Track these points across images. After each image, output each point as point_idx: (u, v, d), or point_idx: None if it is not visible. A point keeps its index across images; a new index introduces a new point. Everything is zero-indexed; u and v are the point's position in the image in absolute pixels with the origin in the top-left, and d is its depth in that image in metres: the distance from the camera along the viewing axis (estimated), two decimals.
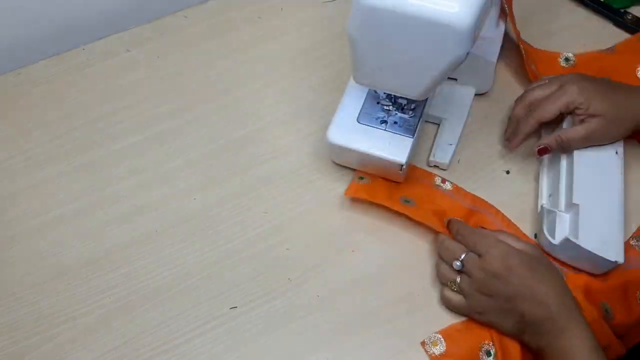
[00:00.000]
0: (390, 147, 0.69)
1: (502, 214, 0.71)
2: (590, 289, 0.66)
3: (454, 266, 0.64)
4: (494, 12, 0.75)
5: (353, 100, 0.72)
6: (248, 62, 0.85)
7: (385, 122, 0.71)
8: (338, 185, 0.74)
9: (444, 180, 0.73)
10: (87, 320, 0.67)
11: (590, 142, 0.69)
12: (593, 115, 0.68)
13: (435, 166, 0.74)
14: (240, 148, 0.78)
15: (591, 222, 0.65)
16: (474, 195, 0.72)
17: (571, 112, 0.69)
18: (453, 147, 0.74)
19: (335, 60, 0.83)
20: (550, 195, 0.71)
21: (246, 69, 0.85)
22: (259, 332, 0.66)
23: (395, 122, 0.71)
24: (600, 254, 0.63)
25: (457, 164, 0.75)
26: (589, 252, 0.63)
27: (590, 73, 0.73)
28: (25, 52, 0.88)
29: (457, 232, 0.66)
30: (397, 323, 0.66)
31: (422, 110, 0.71)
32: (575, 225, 0.66)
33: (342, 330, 0.66)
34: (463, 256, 0.64)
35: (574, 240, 0.64)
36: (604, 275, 0.67)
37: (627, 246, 0.68)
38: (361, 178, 0.72)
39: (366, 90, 0.72)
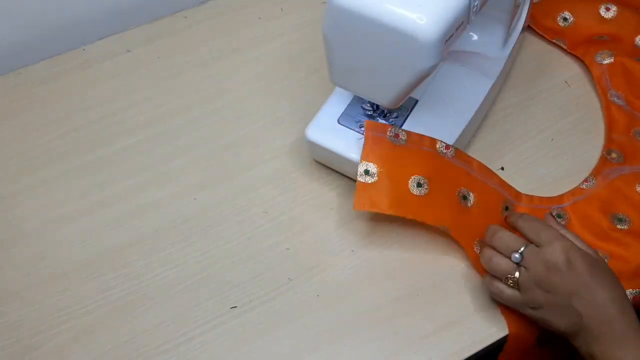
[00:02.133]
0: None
1: (507, 184, 0.71)
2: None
3: (513, 258, 0.61)
4: (501, 34, 0.75)
5: (338, 101, 0.73)
6: (248, 62, 0.85)
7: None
8: (339, 185, 0.74)
9: (447, 147, 0.69)
10: (87, 320, 0.68)
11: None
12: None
13: None
14: (240, 148, 0.78)
15: None
16: (478, 162, 0.71)
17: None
18: None
19: None
20: None
21: (246, 69, 0.85)
22: (259, 332, 0.66)
23: None
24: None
25: None
26: None
27: (555, 13, 0.77)
28: (26, 52, 0.88)
29: (518, 221, 0.64)
30: (396, 323, 0.66)
31: (405, 120, 0.71)
32: None
33: (342, 330, 0.66)
34: (523, 248, 0.61)
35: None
36: (602, 189, 0.71)
37: (602, 159, 0.74)
38: (366, 172, 0.67)
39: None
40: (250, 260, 0.70)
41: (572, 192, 0.72)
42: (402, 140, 0.68)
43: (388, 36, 0.56)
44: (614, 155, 0.74)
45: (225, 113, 0.81)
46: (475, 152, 0.76)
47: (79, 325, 0.67)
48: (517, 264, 0.61)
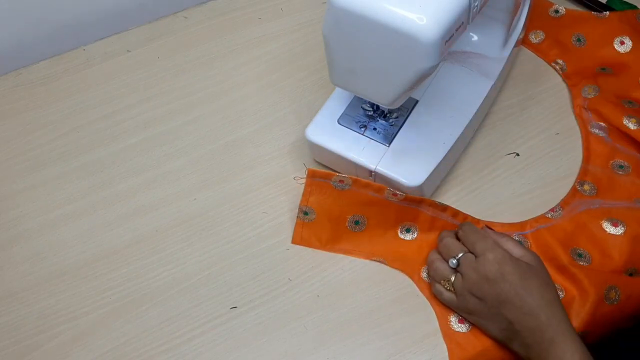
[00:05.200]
0: (364, 152, 0.69)
1: (461, 213, 0.70)
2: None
3: (450, 263, 0.64)
4: (501, 35, 0.75)
5: (338, 101, 0.73)
6: (248, 62, 0.85)
7: (365, 126, 0.71)
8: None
9: (395, 194, 0.68)
10: (87, 320, 0.68)
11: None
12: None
13: None
14: (240, 148, 0.78)
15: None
16: (430, 200, 0.69)
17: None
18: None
19: None
20: None
21: (246, 69, 0.85)
22: (259, 332, 0.66)
23: (375, 129, 0.71)
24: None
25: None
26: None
27: (570, 30, 0.74)
28: (26, 52, 0.88)
29: (460, 229, 0.66)
30: (396, 323, 0.66)
31: (405, 120, 0.71)
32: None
33: (342, 330, 0.66)
34: (460, 255, 0.63)
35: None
36: (567, 221, 0.69)
37: (573, 190, 0.72)
38: (305, 214, 0.70)
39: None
40: (250, 260, 0.70)
41: (536, 220, 0.71)
42: (347, 185, 0.68)
43: (388, 37, 0.56)
44: (586, 187, 0.72)
45: (225, 113, 0.81)
46: (475, 152, 0.76)
47: (79, 325, 0.67)
48: (454, 269, 0.64)
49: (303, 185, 0.69)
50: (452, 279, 0.64)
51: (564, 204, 0.71)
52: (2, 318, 0.68)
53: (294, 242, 0.70)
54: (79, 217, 0.74)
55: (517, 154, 0.75)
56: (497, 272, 0.60)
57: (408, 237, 0.70)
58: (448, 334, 0.65)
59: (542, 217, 0.71)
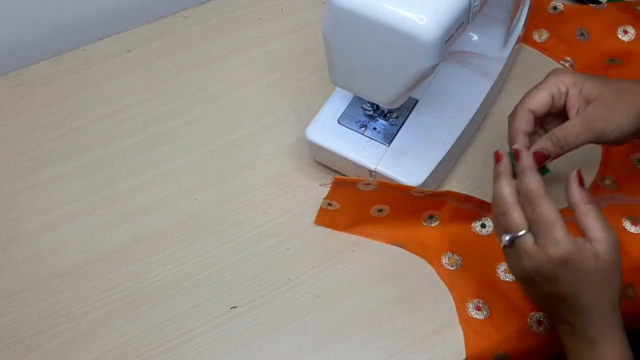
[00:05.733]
0: (364, 152, 0.69)
1: (485, 202, 0.70)
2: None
3: (502, 240, 0.55)
4: (501, 35, 0.75)
5: (338, 101, 0.73)
6: (248, 62, 0.85)
7: (365, 126, 0.71)
8: None
9: (422, 192, 0.68)
10: (87, 320, 0.68)
11: (592, 135, 0.58)
12: (588, 101, 0.58)
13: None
14: (240, 148, 0.78)
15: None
16: (455, 193, 0.69)
17: (565, 105, 0.60)
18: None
19: None
20: None
21: (246, 69, 0.85)
22: (259, 332, 0.66)
23: (375, 128, 0.71)
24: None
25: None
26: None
27: (572, 25, 0.74)
28: (25, 52, 0.88)
29: (526, 195, 0.54)
30: (396, 323, 0.66)
31: (405, 120, 0.71)
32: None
33: (342, 330, 0.66)
34: (520, 233, 0.54)
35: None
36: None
37: (595, 185, 0.70)
38: (329, 204, 0.69)
39: None
40: (250, 260, 0.70)
41: (561, 212, 0.68)
42: (373, 185, 0.68)
43: (388, 36, 0.56)
44: (607, 182, 0.71)
45: (225, 113, 0.81)
46: (475, 152, 0.76)
47: (79, 325, 0.67)
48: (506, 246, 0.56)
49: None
50: (521, 233, 0.54)
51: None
52: (2, 318, 0.68)
53: (316, 222, 0.70)
54: (79, 217, 0.74)
55: None
56: (553, 273, 0.53)
57: (432, 224, 0.70)
58: (465, 319, 0.64)
59: (566, 210, 0.68)
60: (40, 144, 0.80)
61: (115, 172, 0.77)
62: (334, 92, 0.73)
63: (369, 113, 0.71)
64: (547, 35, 0.83)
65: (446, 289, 0.67)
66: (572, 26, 0.82)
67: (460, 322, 0.65)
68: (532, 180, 0.55)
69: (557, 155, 0.60)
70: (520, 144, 0.59)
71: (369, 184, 0.67)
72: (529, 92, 0.61)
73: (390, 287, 0.68)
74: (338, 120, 0.71)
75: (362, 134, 0.70)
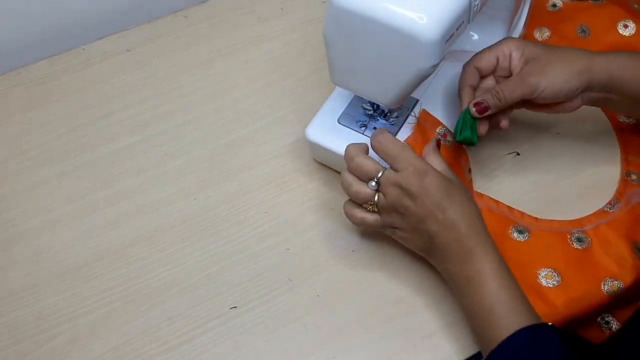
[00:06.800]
0: None
1: (515, 210, 0.70)
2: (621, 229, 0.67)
3: (369, 186, 0.62)
4: (501, 34, 0.74)
5: (338, 101, 0.73)
6: (248, 62, 0.85)
7: (365, 126, 0.71)
8: (339, 185, 0.74)
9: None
10: (87, 320, 0.67)
11: (526, 88, 0.64)
12: (527, 61, 0.65)
13: None
14: (240, 148, 0.78)
15: None
16: (482, 195, 0.71)
17: (509, 67, 0.66)
18: None
19: None
20: None
21: (246, 69, 0.85)
22: (259, 332, 0.66)
23: (375, 128, 0.71)
24: None
25: None
26: None
27: (573, 23, 0.75)
28: (25, 52, 0.88)
29: (377, 140, 0.63)
30: (396, 323, 0.66)
31: (405, 120, 0.71)
32: None
33: (342, 330, 0.66)
34: (380, 175, 0.61)
35: None
36: (626, 213, 0.68)
37: (623, 181, 0.71)
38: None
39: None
40: (250, 260, 0.70)
41: (595, 215, 0.69)
42: (448, 141, 0.69)
43: (388, 36, 0.56)
44: (633, 177, 0.71)
45: (225, 113, 0.81)
46: (475, 152, 0.76)
47: (79, 325, 0.67)
48: (375, 190, 0.62)
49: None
50: (376, 199, 0.62)
51: (619, 195, 0.70)
52: (2, 318, 0.68)
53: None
54: (79, 217, 0.74)
55: (518, 154, 0.75)
56: (419, 186, 0.59)
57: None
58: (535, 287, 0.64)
59: (602, 211, 0.70)
60: (40, 144, 0.80)
61: (115, 172, 0.77)
62: (334, 92, 0.73)
63: (369, 112, 0.71)
64: (548, 33, 0.83)
65: (447, 288, 0.67)
66: (572, 23, 0.82)
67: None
68: (380, 136, 0.63)
69: (497, 107, 0.66)
70: (465, 98, 0.67)
71: (445, 136, 0.69)
72: (478, 52, 0.67)
73: (391, 287, 0.68)
74: (338, 120, 0.71)
75: (362, 134, 0.70)
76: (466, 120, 0.66)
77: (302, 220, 0.72)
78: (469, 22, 0.60)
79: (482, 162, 0.75)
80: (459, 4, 0.57)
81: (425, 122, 0.70)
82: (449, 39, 0.57)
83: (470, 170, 0.73)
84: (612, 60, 0.64)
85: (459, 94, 0.68)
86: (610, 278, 0.65)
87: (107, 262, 0.71)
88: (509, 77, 0.67)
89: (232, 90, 0.83)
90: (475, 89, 0.68)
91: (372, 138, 0.63)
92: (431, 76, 0.62)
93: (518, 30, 0.77)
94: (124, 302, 0.68)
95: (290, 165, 0.76)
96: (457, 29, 0.58)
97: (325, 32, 0.60)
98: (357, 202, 0.64)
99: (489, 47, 0.67)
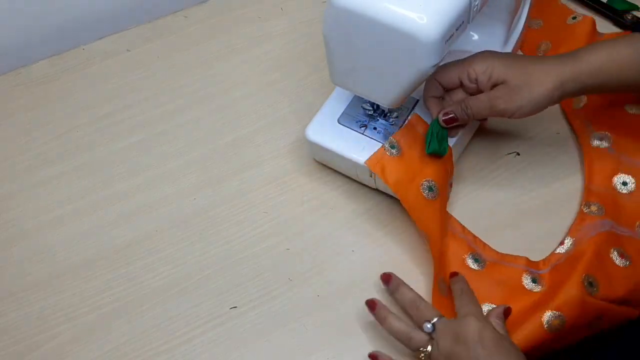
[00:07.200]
0: (364, 152, 0.68)
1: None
2: (570, 266, 0.65)
3: (424, 328, 0.60)
4: (501, 34, 0.74)
5: (338, 101, 0.73)
6: (248, 62, 0.85)
7: (365, 126, 0.71)
8: (339, 185, 0.74)
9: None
10: (87, 320, 0.67)
11: (494, 112, 0.64)
12: (495, 85, 0.64)
13: None
14: (240, 148, 0.78)
15: None
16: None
17: (477, 87, 0.65)
18: None
19: None
20: None
21: (246, 69, 0.85)
22: (259, 332, 0.66)
23: (375, 128, 0.71)
24: None
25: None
26: None
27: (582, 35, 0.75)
28: (25, 51, 0.88)
29: (454, 283, 0.63)
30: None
31: (405, 120, 0.71)
32: None
33: (342, 330, 0.66)
34: (436, 319, 0.60)
35: None
36: (580, 248, 0.66)
37: (581, 214, 0.69)
38: (392, 147, 0.67)
39: None
40: (250, 260, 0.70)
41: (549, 259, 0.68)
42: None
43: (388, 36, 0.56)
44: (593, 208, 0.69)
45: (225, 113, 0.81)
46: (475, 152, 0.76)
47: (79, 325, 0.67)
48: (429, 334, 0.61)
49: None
50: (429, 349, 0.60)
51: (572, 233, 0.68)
52: (2, 318, 0.68)
53: (367, 163, 0.67)
54: (79, 217, 0.74)
55: (518, 154, 0.75)
56: (476, 335, 0.58)
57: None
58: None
59: (554, 255, 0.68)
60: (40, 144, 0.80)
61: (115, 172, 0.77)
62: (334, 92, 0.73)
63: (369, 113, 0.71)
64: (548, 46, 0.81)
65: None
66: (579, 39, 0.80)
67: None
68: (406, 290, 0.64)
69: (465, 122, 0.66)
70: (432, 108, 0.67)
71: None
72: (443, 65, 0.65)
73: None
74: (338, 120, 0.71)
75: (362, 134, 0.70)
76: (434, 133, 0.66)
77: (302, 220, 0.72)
78: (469, 22, 0.60)
79: (482, 162, 0.75)
80: (459, 4, 0.57)
81: (417, 124, 0.69)
82: (449, 39, 0.57)
83: (451, 185, 0.71)
84: (583, 69, 0.63)
85: (426, 105, 0.68)
86: (552, 311, 0.63)
87: (107, 262, 0.71)
88: (478, 92, 0.66)
89: (232, 90, 0.83)
90: (442, 98, 0.67)
91: (451, 282, 0.64)
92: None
93: (518, 31, 0.77)
94: (124, 302, 0.68)
95: (290, 165, 0.76)
96: (457, 29, 0.58)
97: (325, 32, 0.60)
98: (411, 348, 0.61)
99: (456, 64, 0.65)
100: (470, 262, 0.67)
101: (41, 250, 0.72)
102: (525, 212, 0.71)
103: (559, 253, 0.68)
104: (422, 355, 0.60)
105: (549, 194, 0.73)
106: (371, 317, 0.66)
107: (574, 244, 0.67)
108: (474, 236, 0.69)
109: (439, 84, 0.66)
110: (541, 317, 0.63)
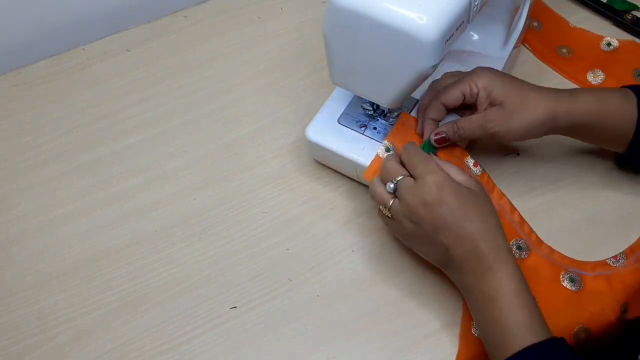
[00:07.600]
0: (364, 151, 0.69)
1: (527, 224, 0.69)
2: (613, 289, 0.64)
3: (387, 188, 0.62)
4: (501, 34, 0.74)
5: (338, 101, 0.73)
6: (248, 62, 0.85)
7: (365, 126, 0.71)
8: (339, 185, 0.74)
9: (475, 164, 0.69)
10: (87, 320, 0.68)
11: (485, 133, 0.65)
12: (493, 104, 0.65)
13: None
14: (240, 148, 0.78)
15: None
16: (500, 193, 0.70)
17: (475, 102, 0.66)
18: None
19: None
20: None
21: (246, 69, 0.85)
22: (259, 332, 0.66)
23: (375, 128, 0.71)
24: None
25: None
26: None
27: (629, 65, 0.74)
28: (25, 51, 0.88)
29: (403, 150, 0.63)
30: (396, 323, 0.66)
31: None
32: None
33: (342, 330, 0.66)
34: (399, 178, 0.61)
35: None
36: (631, 274, 0.65)
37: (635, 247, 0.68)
38: (387, 150, 0.68)
39: None
40: (250, 260, 0.70)
41: (597, 264, 0.67)
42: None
43: (388, 36, 0.56)
44: None
45: (225, 113, 0.81)
46: (475, 152, 0.75)
47: (79, 325, 0.67)
48: (392, 193, 0.62)
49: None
50: (390, 203, 0.62)
51: (629, 252, 0.67)
52: (2, 318, 0.68)
53: (364, 176, 0.68)
54: (79, 217, 0.74)
55: (518, 154, 0.75)
56: (435, 195, 0.58)
57: None
58: (466, 334, 0.64)
59: (603, 262, 0.67)
60: (40, 144, 0.80)
61: (115, 172, 0.77)
62: (333, 92, 0.73)
63: (369, 112, 0.71)
64: (602, 76, 0.80)
65: (447, 288, 0.67)
66: (628, 65, 0.80)
67: (461, 336, 0.64)
68: (407, 146, 0.64)
69: (456, 141, 0.67)
70: (427, 129, 0.68)
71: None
72: (446, 87, 0.67)
73: (390, 287, 0.68)
74: (338, 120, 0.71)
75: (362, 134, 0.70)
76: (425, 152, 0.66)
77: (302, 220, 0.72)
78: (469, 22, 0.60)
79: (482, 162, 0.75)
80: (459, 4, 0.57)
81: (407, 122, 0.70)
82: (449, 39, 0.57)
83: (477, 164, 0.70)
84: (577, 107, 0.64)
85: (423, 125, 0.68)
86: (584, 326, 0.63)
87: (107, 262, 0.71)
88: (472, 110, 0.67)
89: (232, 90, 0.83)
90: (439, 121, 0.68)
91: (401, 148, 0.64)
92: (431, 76, 0.63)
93: (518, 31, 0.77)
94: (124, 302, 0.68)
95: (290, 165, 0.76)
96: (457, 29, 0.58)
97: (325, 32, 0.60)
98: (376, 202, 0.64)
99: (457, 84, 0.66)
100: (514, 249, 0.66)
101: (41, 250, 0.72)
102: (525, 212, 0.71)
103: (607, 263, 0.67)
104: (385, 210, 0.62)
105: (549, 194, 0.73)
106: (371, 317, 0.66)
107: (624, 264, 0.66)
108: (522, 219, 0.68)
109: (444, 105, 0.67)
110: (571, 330, 0.63)
